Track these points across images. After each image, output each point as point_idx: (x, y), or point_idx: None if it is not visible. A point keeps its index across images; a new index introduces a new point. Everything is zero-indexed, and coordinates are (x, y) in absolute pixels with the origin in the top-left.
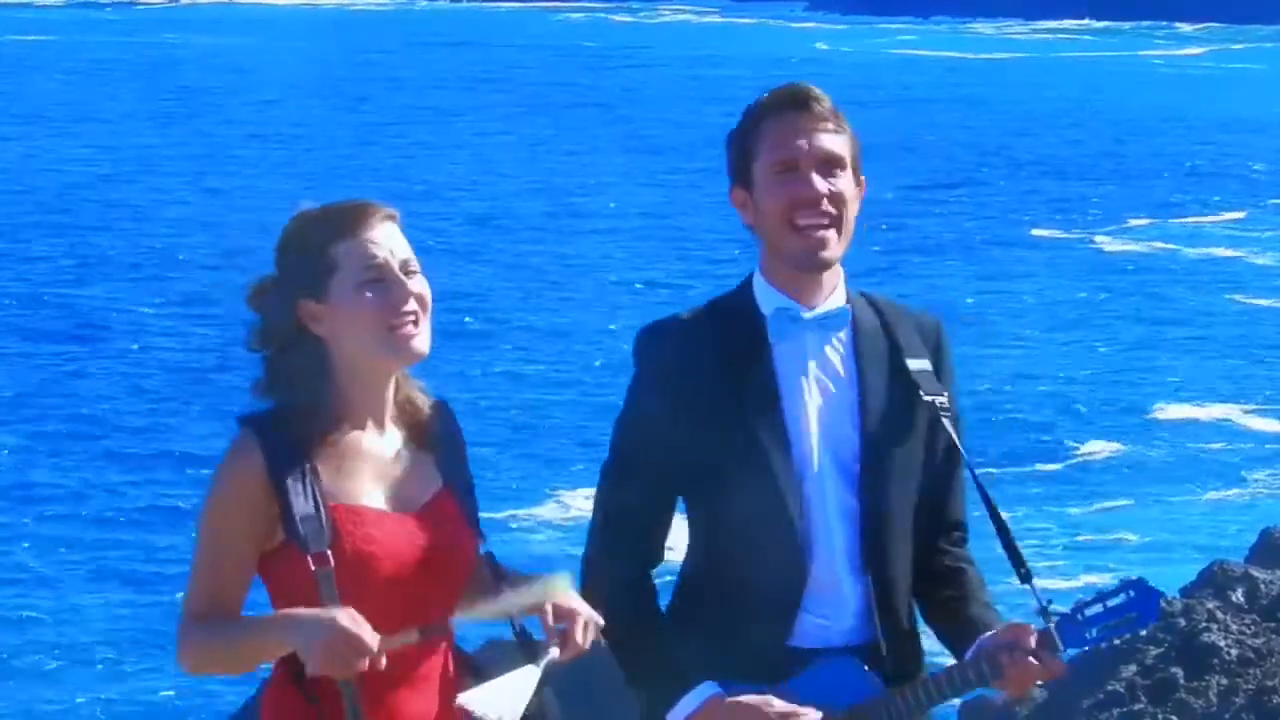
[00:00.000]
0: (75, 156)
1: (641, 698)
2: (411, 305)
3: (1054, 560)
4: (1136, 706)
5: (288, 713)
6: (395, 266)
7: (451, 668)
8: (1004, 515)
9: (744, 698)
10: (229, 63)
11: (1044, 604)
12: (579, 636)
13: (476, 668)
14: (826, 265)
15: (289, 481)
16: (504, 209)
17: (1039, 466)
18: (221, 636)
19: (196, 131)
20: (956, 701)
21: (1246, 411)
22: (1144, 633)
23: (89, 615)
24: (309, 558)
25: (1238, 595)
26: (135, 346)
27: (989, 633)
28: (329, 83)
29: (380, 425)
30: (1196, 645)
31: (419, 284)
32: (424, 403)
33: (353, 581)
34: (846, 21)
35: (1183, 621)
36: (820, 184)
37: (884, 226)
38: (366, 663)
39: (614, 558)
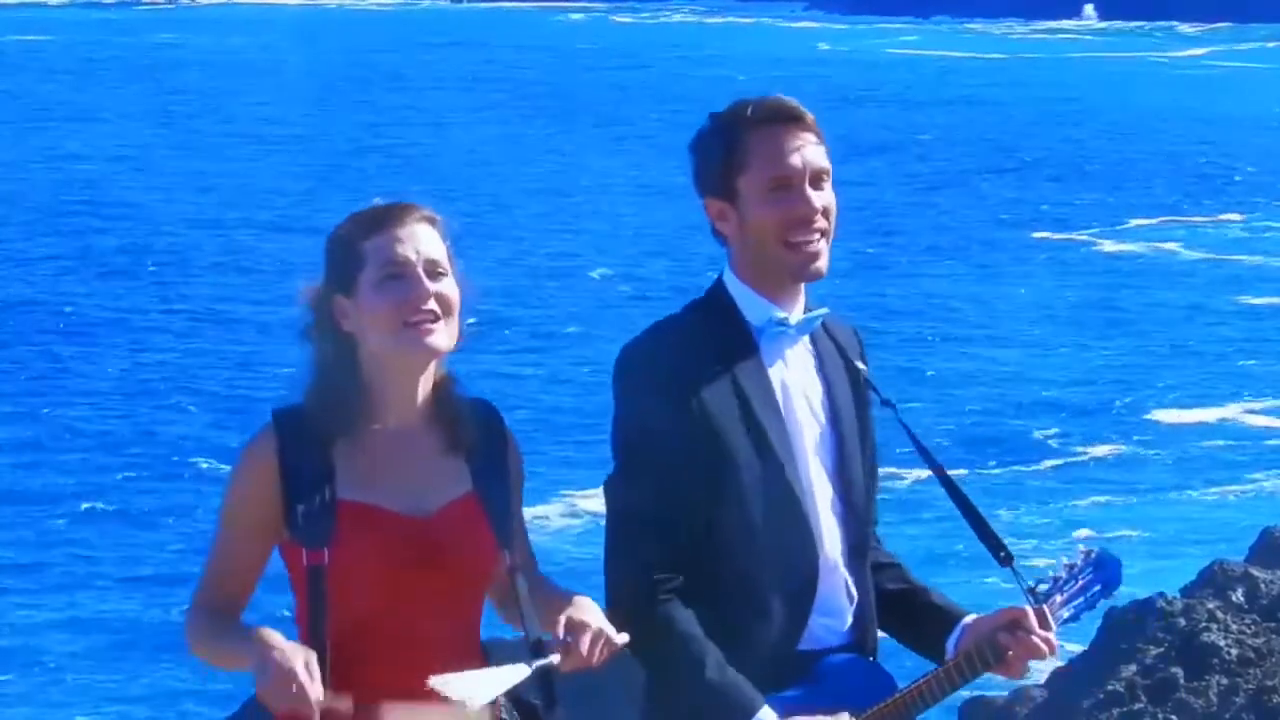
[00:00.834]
0: (78, 155)
1: (665, 699)
2: (430, 305)
3: (1051, 559)
4: (1136, 706)
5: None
6: (418, 265)
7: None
8: (975, 505)
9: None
10: (229, 63)
11: (1031, 585)
12: (584, 648)
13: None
14: (821, 277)
15: (299, 476)
16: (504, 209)
17: (1038, 466)
18: (213, 634)
19: (196, 131)
20: (957, 701)
21: (1247, 411)
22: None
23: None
24: (304, 554)
25: (1238, 595)
26: (134, 346)
27: (971, 618)
28: (329, 83)
29: (410, 424)
30: (1196, 645)
31: (445, 285)
32: (461, 404)
33: (345, 579)
34: (846, 21)
35: (1183, 621)
36: (815, 200)
37: (883, 227)
38: (312, 709)
39: (631, 558)
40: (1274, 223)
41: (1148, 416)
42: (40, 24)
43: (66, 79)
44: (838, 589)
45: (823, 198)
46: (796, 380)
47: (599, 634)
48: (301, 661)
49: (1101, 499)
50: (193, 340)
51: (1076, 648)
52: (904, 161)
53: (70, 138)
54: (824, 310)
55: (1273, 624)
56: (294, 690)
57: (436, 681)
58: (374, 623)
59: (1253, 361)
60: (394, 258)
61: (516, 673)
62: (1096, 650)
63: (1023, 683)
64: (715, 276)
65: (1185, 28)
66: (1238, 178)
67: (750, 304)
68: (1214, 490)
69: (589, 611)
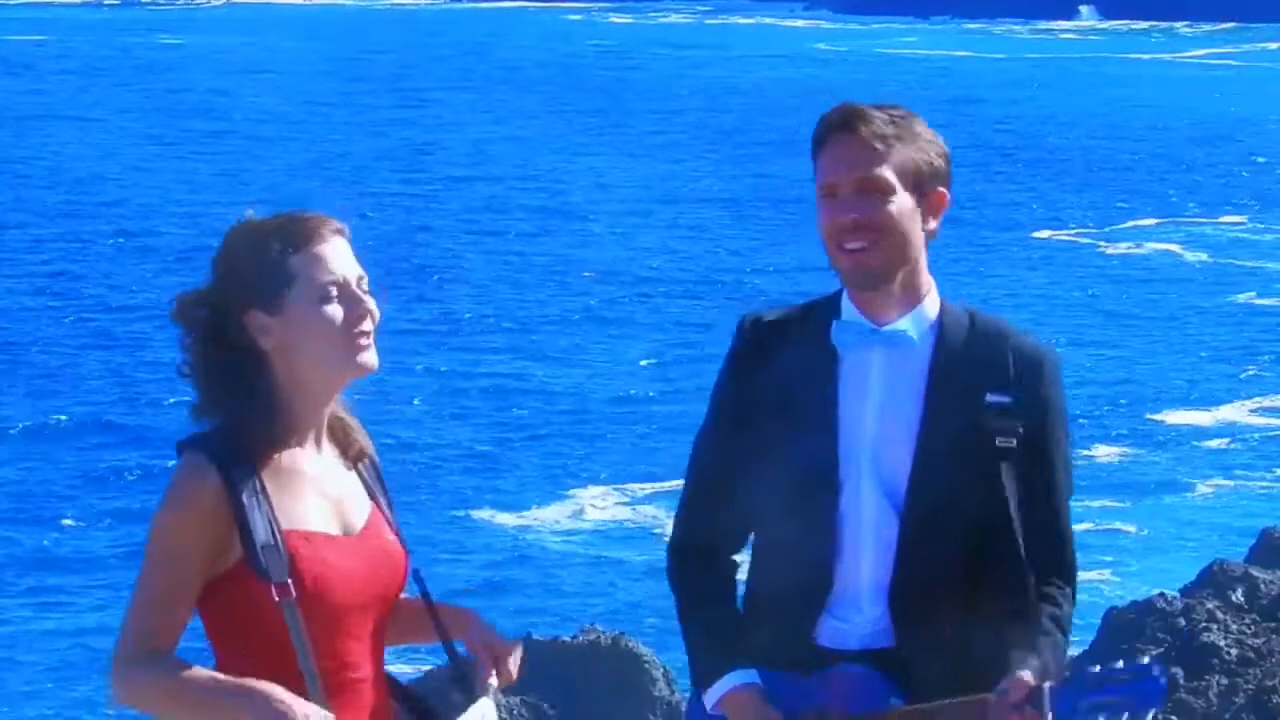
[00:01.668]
0: (80, 155)
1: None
2: (369, 322)
3: None
4: None
5: None
6: (354, 282)
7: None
8: None
9: (756, 711)
10: (228, 63)
11: (1043, 665)
12: (514, 671)
13: (411, 696)
14: (869, 285)
15: (247, 506)
16: (503, 208)
17: None
18: (171, 681)
19: (196, 131)
20: None
21: (1247, 412)
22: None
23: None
24: (272, 588)
25: (1238, 595)
26: (132, 346)
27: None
28: (328, 83)
29: (318, 445)
30: (1196, 645)
31: (371, 301)
32: (353, 421)
33: (312, 611)
34: (846, 21)
35: (1183, 621)
36: (848, 212)
37: None
38: None
39: (690, 512)
40: (1275, 224)
41: (1148, 417)
42: (46, 24)
43: (69, 78)
44: (856, 600)
45: (865, 210)
46: (879, 388)
47: (521, 655)
48: (320, 715)
49: (1101, 499)
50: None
51: (1077, 651)
52: None
53: (70, 138)
54: (902, 329)
55: (1273, 624)
56: None
57: None
58: (346, 652)
59: (1253, 363)
60: (333, 276)
61: (489, 709)
62: (1096, 650)
63: None
64: (709, 275)
65: (1185, 28)
66: (1238, 179)
67: (846, 307)
68: (1214, 490)
69: (490, 629)
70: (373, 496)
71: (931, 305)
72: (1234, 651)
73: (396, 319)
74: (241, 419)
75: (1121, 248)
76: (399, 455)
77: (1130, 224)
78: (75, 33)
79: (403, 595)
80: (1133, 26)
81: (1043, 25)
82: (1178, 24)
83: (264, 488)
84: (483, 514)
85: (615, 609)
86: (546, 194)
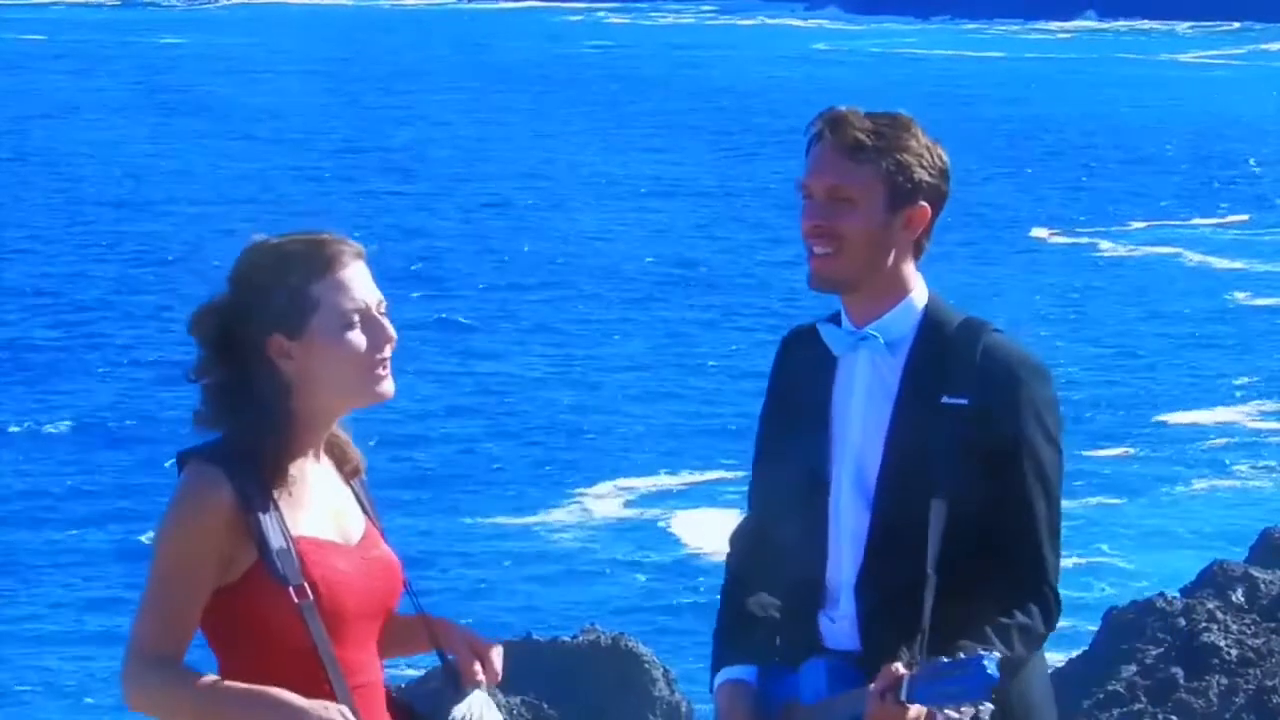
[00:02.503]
0: (80, 155)
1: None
2: (389, 349)
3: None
4: (1136, 706)
5: None
6: (376, 309)
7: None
8: None
9: (738, 708)
10: (229, 62)
11: (913, 656)
12: (497, 664)
13: (403, 705)
14: (827, 290)
15: (260, 514)
16: (502, 205)
17: None
18: (184, 691)
19: (198, 131)
20: None
21: (1247, 412)
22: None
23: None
24: (290, 591)
25: (1238, 595)
26: (132, 346)
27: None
28: (328, 83)
29: (319, 459)
30: (1196, 645)
31: (390, 326)
32: (345, 436)
33: (328, 615)
34: (846, 21)
35: (1183, 621)
36: (817, 215)
37: None
38: None
39: (744, 515)
40: (1275, 224)
41: (1148, 417)
42: (40, 24)
43: (72, 78)
44: (837, 599)
45: (827, 218)
46: (863, 390)
47: (493, 649)
48: (337, 713)
49: (1101, 499)
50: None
51: (1077, 651)
52: None
53: (69, 136)
54: (870, 332)
55: (1273, 624)
56: None
57: None
58: (359, 657)
59: (1252, 363)
60: (355, 304)
61: (487, 707)
62: (1096, 650)
63: None
64: (710, 276)
65: (1185, 29)
66: (1239, 180)
67: (843, 311)
68: (1214, 490)
69: (467, 630)
70: (365, 510)
71: (913, 309)
72: (1234, 651)
73: (397, 319)
74: (252, 432)
75: (1122, 248)
76: (398, 455)
77: (1131, 225)
78: (76, 32)
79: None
80: (1133, 26)
81: (1043, 25)
82: (1178, 24)
83: (274, 498)
84: (483, 514)
85: (615, 609)
86: (542, 192)
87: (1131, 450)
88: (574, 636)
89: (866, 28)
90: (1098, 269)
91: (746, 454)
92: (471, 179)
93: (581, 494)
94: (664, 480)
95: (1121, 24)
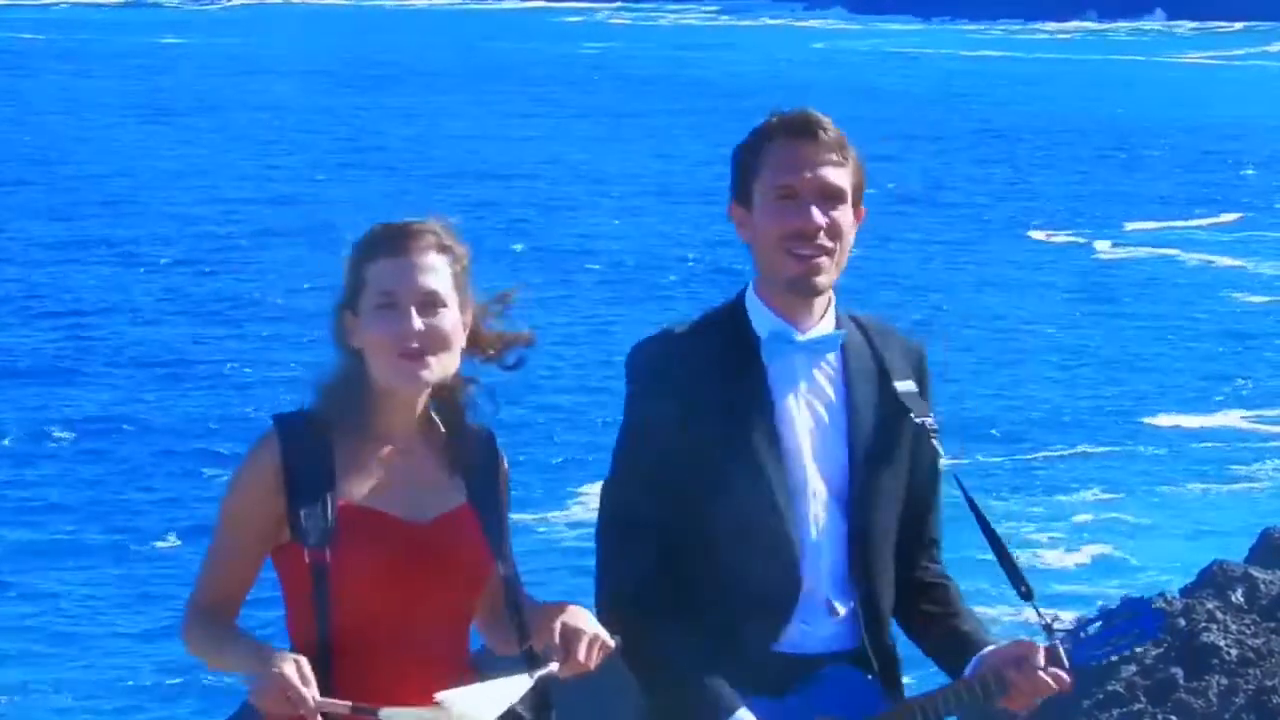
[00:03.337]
0: (82, 155)
1: (649, 701)
2: (414, 342)
3: (1046, 584)
4: (1136, 706)
5: None
6: (410, 297)
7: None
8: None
9: None
10: (229, 63)
11: (1048, 621)
12: (582, 654)
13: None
14: (818, 292)
15: (302, 478)
16: (502, 205)
17: (1036, 468)
18: (211, 639)
19: (199, 131)
20: None
21: (1247, 412)
22: (1145, 646)
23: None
24: (306, 552)
25: (1238, 595)
26: (130, 344)
27: (989, 648)
28: (328, 83)
29: (411, 437)
30: (1196, 645)
31: (440, 319)
32: (462, 424)
33: (346, 580)
34: (846, 21)
35: (1183, 621)
36: (818, 216)
37: (881, 227)
38: (311, 710)
39: (621, 559)
40: (1274, 225)
41: (1147, 418)
42: (40, 24)
43: (66, 78)
44: (821, 602)
45: (830, 216)
46: (805, 395)
47: (595, 638)
48: (293, 665)
49: (1101, 500)
50: (192, 341)
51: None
52: (902, 161)
53: (70, 136)
54: (838, 333)
55: (1273, 624)
56: (288, 695)
57: (441, 697)
58: (373, 625)
59: (1251, 363)
60: (387, 287)
61: (519, 685)
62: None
63: None
64: (709, 277)
65: (1185, 29)
66: (1237, 180)
67: (761, 317)
68: (1214, 490)
69: (581, 617)
70: (472, 499)
71: (833, 309)
72: (1234, 651)
73: None
74: (325, 400)
75: (1120, 248)
76: None
77: (1129, 226)
78: (75, 32)
79: (505, 594)
80: (1133, 26)
81: (1043, 25)
82: (1178, 24)
83: (330, 464)
84: None
85: None
86: (542, 190)
87: (1130, 450)
88: None
89: (865, 28)
90: (1096, 269)
91: None
92: (472, 179)
93: (582, 494)
94: None
95: (1121, 24)
